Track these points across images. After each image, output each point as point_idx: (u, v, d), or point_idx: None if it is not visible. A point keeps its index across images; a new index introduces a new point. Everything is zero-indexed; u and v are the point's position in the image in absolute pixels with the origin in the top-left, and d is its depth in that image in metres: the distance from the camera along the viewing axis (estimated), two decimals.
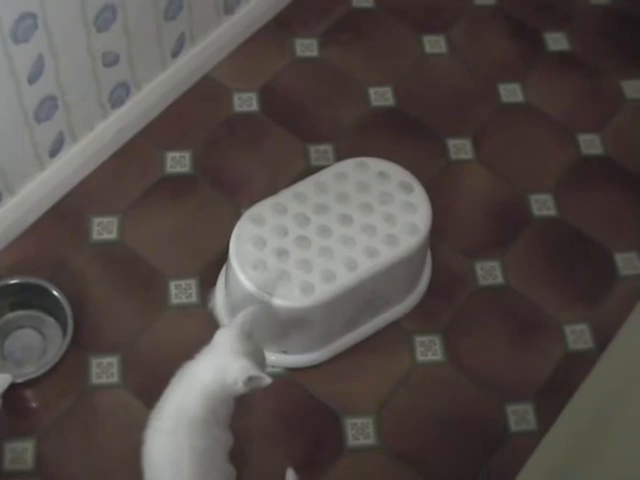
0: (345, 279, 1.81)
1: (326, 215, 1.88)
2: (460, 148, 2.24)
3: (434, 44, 2.42)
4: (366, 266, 1.83)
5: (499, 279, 2.07)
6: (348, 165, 1.95)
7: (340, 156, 2.19)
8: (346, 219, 1.87)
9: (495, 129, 2.29)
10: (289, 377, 1.92)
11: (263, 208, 1.89)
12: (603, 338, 1.99)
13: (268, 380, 1.53)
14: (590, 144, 2.28)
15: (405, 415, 1.91)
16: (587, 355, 1.99)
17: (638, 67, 2.43)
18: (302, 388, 1.92)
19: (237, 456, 1.72)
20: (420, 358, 1.97)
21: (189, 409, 1.54)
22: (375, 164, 1.95)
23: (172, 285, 2.00)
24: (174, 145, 2.19)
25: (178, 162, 2.17)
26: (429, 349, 1.98)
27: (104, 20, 1.92)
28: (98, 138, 2.12)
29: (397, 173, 1.94)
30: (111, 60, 2.01)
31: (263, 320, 1.78)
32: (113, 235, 2.06)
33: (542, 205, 2.18)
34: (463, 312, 2.04)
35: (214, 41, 2.27)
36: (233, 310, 1.90)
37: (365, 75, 2.34)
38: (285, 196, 1.91)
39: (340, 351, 1.97)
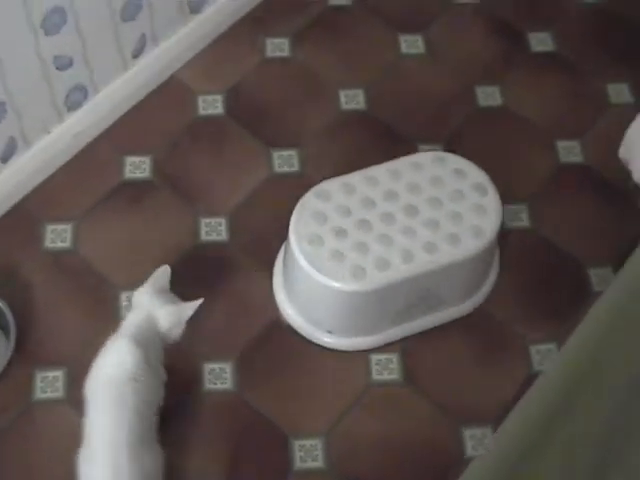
0: (398, 270, 1.79)
1: (393, 203, 1.85)
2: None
3: (411, 44, 2.32)
4: (422, 261, 1.80)
5: None
6: (426, 157, 1.93)
7: (305, 162, 2.12)
8: (412, 210, 1.85)
9: (470, 135, 2.19)
10: (238, 393, 1.86)
11: (331, 185, 1.87)
12: None
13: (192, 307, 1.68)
14: (569, 151, 2.18)
15: (356, 437, 1.84)
16: None
17: (626, 70, 2.31)
18: (251, 406, 1.85)
19: (177, 473, 1.69)
20: (376, 377, 1.90)
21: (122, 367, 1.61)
22: (454, 160, 1.93)
23: (123, 296, 1.94)
24: (134, 149, 2.12)
25: (137, 167, 2.10)
26: (385, 368, 1.90)
27: (52, 24, 1.86)
28: (54, 142, 2.06)
29: (474, 173, 1.91)
30: (64, 63, 1.95)
31: (312, 295, 1.83)
32: (67, 243, 2.00)
33: (515, 216, 2.08)
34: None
35: (179, 41, 2.20)
36: (289, 285, 1.92)
37: (337, 77, 2.26)
38: (356, 177, 1.89)
39: (389, 341, 1.93)
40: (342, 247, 1.81)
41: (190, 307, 1.69)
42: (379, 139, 2.17)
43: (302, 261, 1.80)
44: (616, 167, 2.10)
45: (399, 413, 1.86)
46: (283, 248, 1.98)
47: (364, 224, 1.83)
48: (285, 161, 2.12)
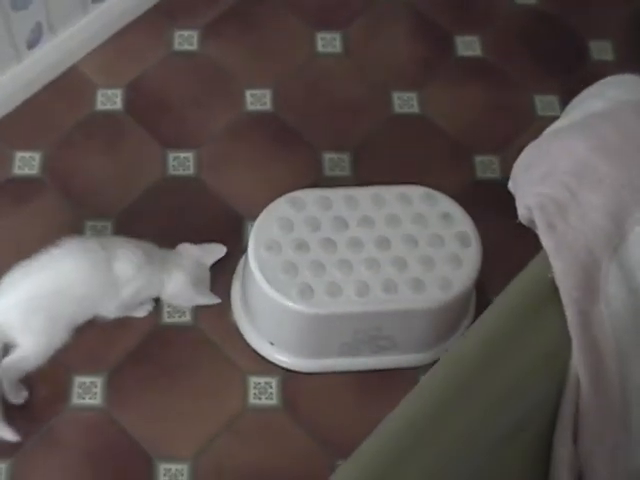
0: (349, 302, 1.69)
1: (367, 230, 1.75)
2: (336, 164, 2.03)
3: (328, 42, 2.19)
4: (377, 299, 1.69)
5: None
6: (416, 191, 1.80)
7: (202, 164, 2.01)
8: (384, 243, 1.74)
9: (381, 144, 2.06)
10: (105, 411, 1.76)
11: (307, 195, 1.79)
12: None
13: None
14: (487, 167, 2.05)
15: (225, 464, 1.74)
16: None
17: (556, 80, 2.18)
18: (117, 425, 1.76)
19: None
20: (252, 401, 1.81)
21: None
22: (445, 203, 1.79)
23: None
24: (25, 144, 2.01)
25: (27, 163, 1.99)
26: (264, 392, 1.81)
27: None
28: None
29: (462, 221, 1.77)
30: None
31: (259, 303, 1.77)
32: None
33: None
34: None
35: (80, 31, 2.08)
36: (243, 289, 1.84)
37: (245, 74, 2.13)
38: (336, 193, 1.79)
39: (329, 370, 1.83)
40: (298, 261, 1.71)
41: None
42: (282, 144, 2.05)
43: (254, 267, 1.71)
44: None
45: (274, 441, 1.77)
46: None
47: (329, 244, 1.73)
48: (181, 163, 2.01)
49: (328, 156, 2.03)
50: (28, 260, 1.71)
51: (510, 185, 1.52)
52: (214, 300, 1.82)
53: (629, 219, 1.18)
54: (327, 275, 1.70)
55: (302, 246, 1.72)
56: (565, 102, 2.15)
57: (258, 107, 2.09)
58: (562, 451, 1.22)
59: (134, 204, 1.96)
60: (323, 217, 1.75)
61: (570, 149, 1.24)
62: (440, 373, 1.18)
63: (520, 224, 1.95)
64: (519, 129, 2.09)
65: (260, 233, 1.74)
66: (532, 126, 2.11)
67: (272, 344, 1.84)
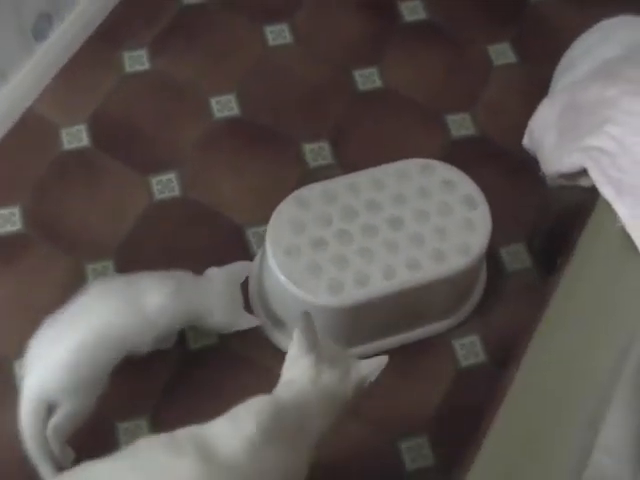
0: (379, 287, 1.70)
1: (377, 214, 1.76)
2: (318, 153, 2.03)
3: (278, 34, 2.18)
4: (404, 278, 1.71)
5: None
6: (413, 165, 1.82)
7: (185, 185, 1.98)
8: (397, 223, 1.76)
9: (355, 125, 2.07)
10: None
11: (311, 192, 1.78)
12: None
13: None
14: (460, 125, 2.08)
15: None
16: None
17: (504, 28, 2.22)
18: None
19: None
20: None
21: None
22: (442, 170, 1.82)
23: (16, 365, 1.78)
24: (1, 202, 1.93)
25: (8, 220, 1.92)
26: None
27: None
28: None
29: (464, 184, 1.80)
30: None
31: (289, 307, 1.76)
32: None
33: None
34: None
35: (30, 72, 2.01)
36: (263, 296, 1.83)
37: (205, 83, 2.10)
38: (338, 183, 1.80)
39: (364, 356, 1.74)
40: (320, 259, 1.71)
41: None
42: (260, 145, 2.04)
43: (279, 273, 1.71)
44: (511, 134, 2.04)
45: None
46: (259, 255, 1.89)
47: (345, 235, 1.74)
48: (165, 186, 1.97)
49: (309, 147, 2.03)
50: (51, 316, 1.65)
51: (525, 142, 1.54)
52: (253, 322, 1.80)
53: None
54: (351, 266, 1.71)
55: (319, 243, 1.73)
56: (517, 47, 2.22)
57: (226, 113, 2.07)
58: None
59: (129, 237, 1.92)
60: (332, 210, 1.76)
61: (605, 99, 1.27)
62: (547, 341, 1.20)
63: (510, 171, 2.01)
64: (480, 82, 2.14)
65: (275, 239, 1.73)
66: (491, 76, 2.16)
67: None
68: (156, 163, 2.00)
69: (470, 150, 2.06)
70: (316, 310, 1.68)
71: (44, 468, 1.60)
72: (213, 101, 2.08)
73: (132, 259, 1.90)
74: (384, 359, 1.43)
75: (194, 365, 1.81)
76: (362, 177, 1.81)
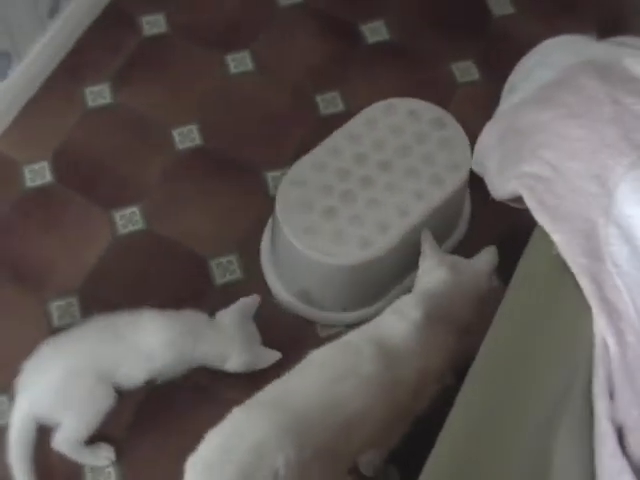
0: (400, 227, 1.77)
1: (366, 165, 1.83)
2: (279, 179, 2.01)
3: (239, 62, 2.17)
4: (418, 209, 1.78)
5: None
6: (376, 110, 1.90)
7: (148, 218, 1.97)
8: (387, 165, 1.83)
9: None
10: None
11: (301, 168, 1.83)
12: None
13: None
14: None
15: None
16: None
17: (467, 46, 2.21)
18: None
19: None
20: None
21: None
22: (403, 104, 1.90)
23: None
24: None
25: None
26: None
27: None
28: None
29: (426, 110, 1.90)
30: None
31: (322, 281, 1.82)
32: None
33: None
34: None
35: None
36: (288, 279, 1.88)
37: (166, 115, 2.10)
38: (320, 152, 1.85)
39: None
40: (338, 225, 1.76)
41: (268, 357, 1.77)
42: (223, 174, 2.03)
43: (305, 251, 1.74)
44: None
45: None
46: (267, 236, 1.94)
47: (348, 195, 1.79)
48: (128, 220, 1.97)
49: (271, 175, 2.02)
50: (47, 345, 1.69)
51: (475, 168, 1.53)
52: (276, 356, 1.78)
53: (612, 177, 1.21)
54: (367, 219, 1.76)
55: (330, 211, 1.77)
56: (480, 64, 2.21)
57: (188, 144, 2.06)
58: (600, 405, 1.24)
59: (94, 273, 1.91)
60: (326, 177, 1.80)
61: (539, 123, 1.26)
62: (488, 363, 1.19)
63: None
64: (446, 100, 2.11)
65: (291, 225, 1.76)
66: (457, 94, 2.15)
67: (345, 310, 1.89)
68: (120, 197, 2.00)
69: None
70: (354, 270, 1.76)
71: None
72: (175, 133, 2.07)
73: (98, 295, 1.90)
74: (493, 249, 1.66)
75: (159, 401, 1.81)
76: (336, 139, 1.86)
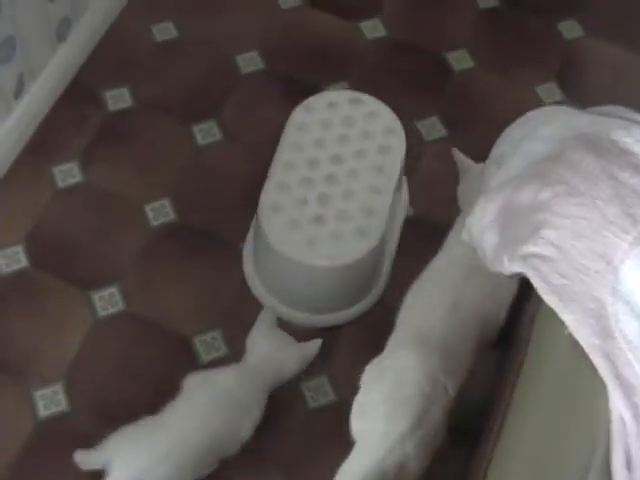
0: (383, 206, 1.87)
1: (321, 166, 1.92)
2: None
3: (207, 133, 2.18)
4: (387, 188, 1.89)
5: None
6: (299, 113, 1.99)
7: (128, 298, 1.96)
8: (338, 158, 1.93)
9: None
10: None
11: (269, 194, 1.88)
12: None
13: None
14: None
15: None
16: None
17: (430, 102, 2.25)
18: None
19: None
20: None
21: None
22: (317, 100, 2.00)
23: None
24: None
25: None
26: None
27: None
28: None
29: (341, 96, 2.02)
30: None
31: (309, 282, 1.89)
32: None
33: None
34: None
35: None
36: (272, 281, 1.94)
37: (138, 191, 2.09)
38: (289, 154, 1.93)
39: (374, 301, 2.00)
40: (333, 228, 1.84)
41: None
42: (200, 247, 2.03)
43: (287, 252, 1.81)
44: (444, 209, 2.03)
45: None
46: (251, 232, 2.01)
47: (322, 198, 1.87)
48: (107, 301, 1.95)
49: (243, 244, 2.03)
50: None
51: (465, 237, 1.51)
52: (317, 343, 1.81)
53: (616, 254, 1.22)
54: (355, 212, 1.86)
55: (318, 219, 1.85)
56: (445, 120, 2.24)
57: (162, 220, 2.06)
58: (619, 479, 1.26)
59: (76, 359, 1.89)
60: (310, 174, 1.90)
61: (538, 202, 1.26)
62: (512, 444, 1.21)
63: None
64: (413, 158, 2.12)
65: (277, 240, 1.83)
66: (425, 153, 2.17)
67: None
68: (97, 278, 1.99)
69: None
70: (356, 264, 1.84)
71: None
72: (148, 208, 2.07)
73: (81, 380, 1.87)
74: None
75: None
76: (284, 151, 1.94)
